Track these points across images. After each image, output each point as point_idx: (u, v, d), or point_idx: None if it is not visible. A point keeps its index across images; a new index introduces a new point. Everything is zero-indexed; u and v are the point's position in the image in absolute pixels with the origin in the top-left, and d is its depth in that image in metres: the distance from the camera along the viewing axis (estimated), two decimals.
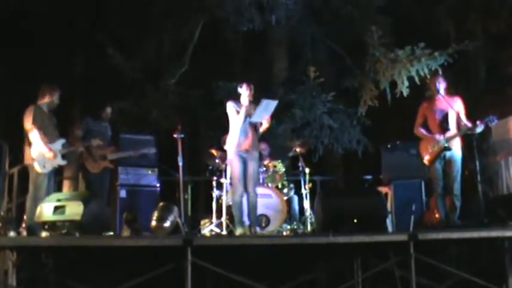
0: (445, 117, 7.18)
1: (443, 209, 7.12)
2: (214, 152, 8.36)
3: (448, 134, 7.11)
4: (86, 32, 10.92)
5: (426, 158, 7.24)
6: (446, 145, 7.07)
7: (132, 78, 10.80)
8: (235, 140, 6.99)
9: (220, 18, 10.71)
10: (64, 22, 10.78)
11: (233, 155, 7.00)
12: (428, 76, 9.62)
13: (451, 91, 7.43)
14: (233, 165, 7.02)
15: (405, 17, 10.74)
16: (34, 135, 6.81)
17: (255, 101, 7.05)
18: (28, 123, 6.83)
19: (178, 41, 11.07)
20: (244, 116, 6.98)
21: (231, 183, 8.14)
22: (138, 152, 7.97)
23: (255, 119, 6.99)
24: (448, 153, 7.12)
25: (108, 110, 7.87)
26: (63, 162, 7.08)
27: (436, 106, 7.26)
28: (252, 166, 7.02)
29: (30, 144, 6.84)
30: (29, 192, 6.87)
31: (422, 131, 7.32)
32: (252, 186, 7.02)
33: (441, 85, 7.25)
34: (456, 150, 7.14)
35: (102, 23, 10.90)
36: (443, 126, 7.17)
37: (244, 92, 7.05)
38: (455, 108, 7.14)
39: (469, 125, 7.06)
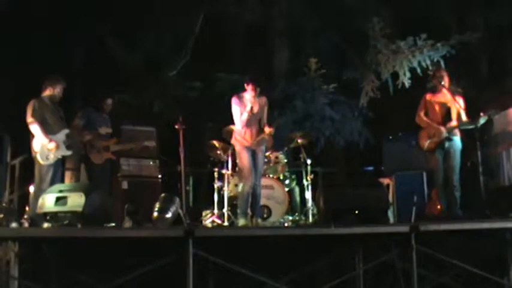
0: (447, 111, 7.20)
1: (445, 200, 7.13)
2: (215, 143, 8.36)
3: (450, 124, 7.12)
4: (87, 24, 10.88)
5: (425, 146, 7.23)
6: (447, 135, 7.07)
7: (133, 70, 10.78)
8: (242, 135, 7.02)
9: (221, 9, 10.66)
10: (64, 14, 10.74)
11: (241, 148, 7.02)
12: (430, 67, 9.60)
13: (453, 88, 7.42)
14: (242, 158, 7.01)
15: (407, 8, 10.68)
16: (34, 129, 6.83)
17: (258, 95, 7.03)
18: (28, 116, 6.86)
19: (179, 32, 11.03)
20: (249, 113, 6.96)
21: (232, 175, 8.17)
22: (140, 144, 7.96)
23: None
24: (447, 144, 7.12)
25: (109, 101, 7.82)
26: (68, 153, 7.06)
27: (439, 99, 7.28)
28: (259, 158, 7.07)
29: (33, 137, 6.87)
30: (34, 183, 6.91)
31: (426, 119, 7.30)
32: (259, 178, 7.06)
33: (445, 79, 7.26)
34: (456, 140, 7.14)
35: (103, 15, 10.85)
36: (445, 119, 7.18)
37: (249, 91, 6.99)
38: (456, 104, 7.15)
39: (469, 119, 7.08)
